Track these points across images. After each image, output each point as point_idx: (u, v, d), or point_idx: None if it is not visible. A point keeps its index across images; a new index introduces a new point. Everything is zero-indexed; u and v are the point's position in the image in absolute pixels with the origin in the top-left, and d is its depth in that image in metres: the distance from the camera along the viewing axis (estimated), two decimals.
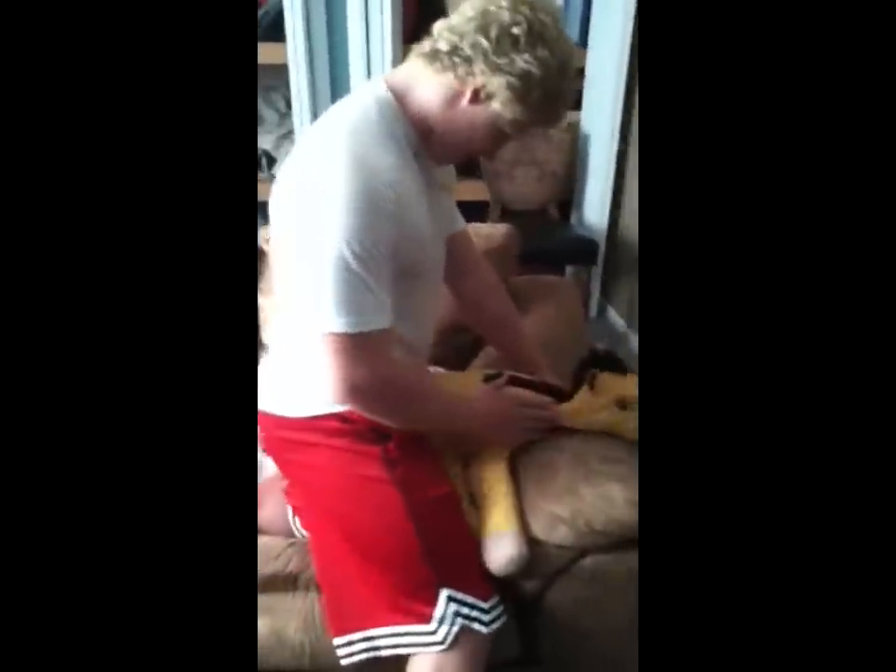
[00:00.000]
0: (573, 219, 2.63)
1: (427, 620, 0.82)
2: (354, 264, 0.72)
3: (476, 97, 0.77)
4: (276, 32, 2.25)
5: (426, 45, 0.79)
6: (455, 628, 0.81)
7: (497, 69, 0.74)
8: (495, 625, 0.84)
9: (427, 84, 0.79)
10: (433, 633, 0.82)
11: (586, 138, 2.51)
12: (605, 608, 0.91)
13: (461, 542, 0.87)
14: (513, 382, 0.99)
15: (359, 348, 0.75)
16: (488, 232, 1.27)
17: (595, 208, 2.53)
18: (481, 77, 0.75)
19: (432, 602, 0.82)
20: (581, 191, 2.58)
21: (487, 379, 1.01)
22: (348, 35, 2.21)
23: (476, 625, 0.82)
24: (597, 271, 2.57)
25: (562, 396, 0.98)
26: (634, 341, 2.38)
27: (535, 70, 0.74)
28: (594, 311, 2.66)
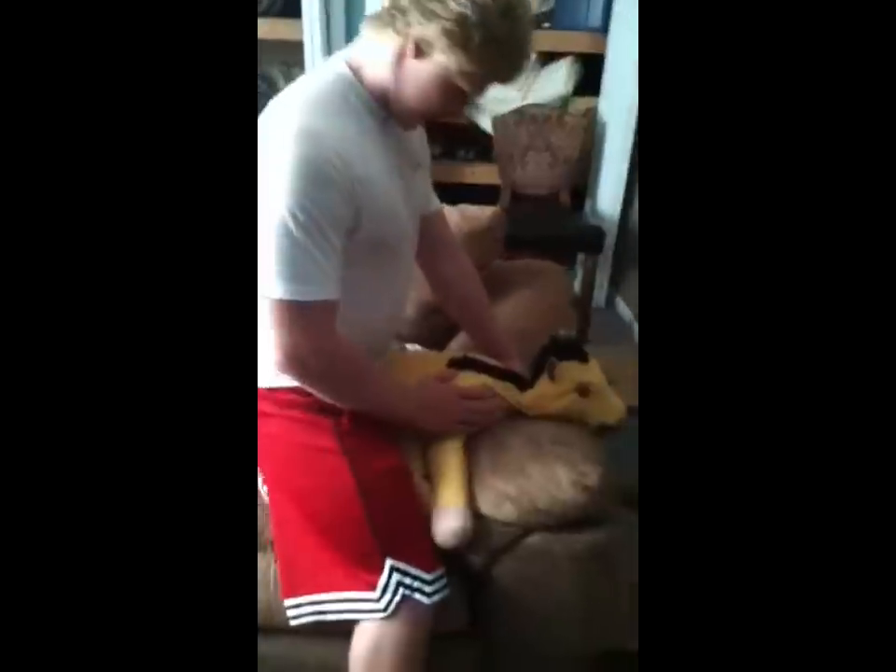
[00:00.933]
0: (586, 207, 2.61)
1: (372, 587, 0.84)
2: (296, 232, 0.73)
3: (419, 51, 0.76)
4: (294, 8, 2.27)
5: (373, 10, 0.80)
6: (397, 598, 0.83)
7: (431, 15, 0.73)
8: (436, 597, 0.86)
9: (375, 48, 0.80)
10: (376, 601, 0.84)
11: (603, 126, 2.49)
12: (548, 586, 0.92)
13: (408, 514, 0.89)
14: (474, 365, 1.01)
15: (300, 317, 0.77)
16: (474, 214, 1.28)
17: (608, 197, 2.51)
18: (417, 27, 0.74)
19: (377, 571, 0.84)
20: (596, 179, 2.56)
21: (451, 363, 1.02)
22: (366, 12, 2.22)
23: (418, 595, 0.84)
24: (606, 260, 2.55)
25: (522, 383, 0.99)
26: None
27: (470, 13, 0.71)
28: (601, 301, 2.64)
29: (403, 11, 0.75)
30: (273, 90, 2.52)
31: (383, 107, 0.84)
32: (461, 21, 0.72)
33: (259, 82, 2.54)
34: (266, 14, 2.39)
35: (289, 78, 2.81)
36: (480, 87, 0.80)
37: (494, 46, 0.74)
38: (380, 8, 0.79)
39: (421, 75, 0.78)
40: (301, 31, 2.27)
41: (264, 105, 0.83)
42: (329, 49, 2.31)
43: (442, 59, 0.75)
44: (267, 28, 2.38)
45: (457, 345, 1.21)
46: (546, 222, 2.36)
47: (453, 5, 0.72)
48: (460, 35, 0.73)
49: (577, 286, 2.42)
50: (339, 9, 2.27)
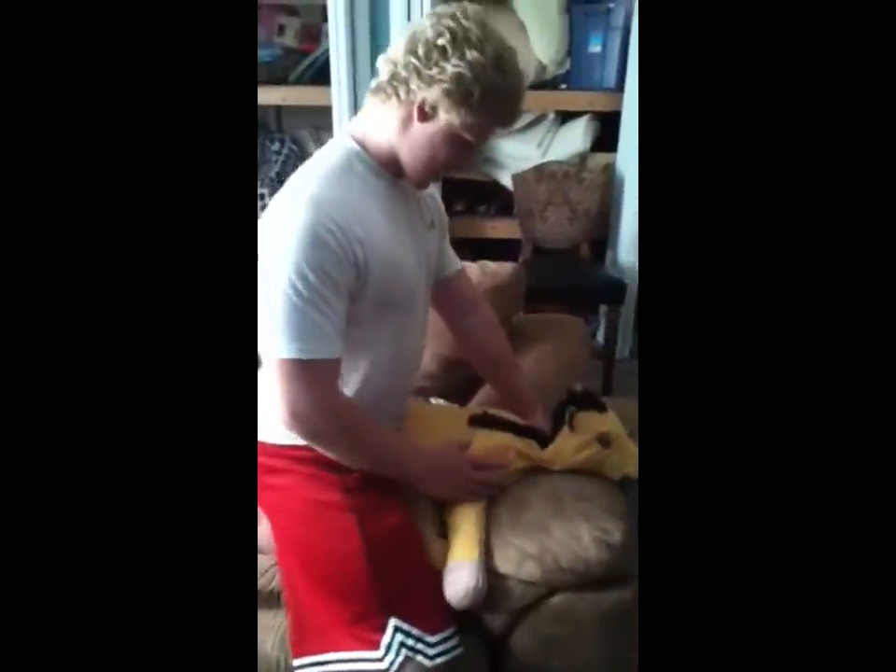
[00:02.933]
0: (607, 260, 2.63)
1: (375, 647, 0.83)
2: (300, 295, 0.78)
3: (423, 114, 0.81)
4: (324, 76, 2.39)
5: (372, 83, 0.85)
6: (400, 658, 0.82)
7: (431, 81, 0.78)
8: (440, 659, 0.84)
9: (380, 118, 0.85)
10: (379, 660, 0.83)
11: (621, 180, 2.53)
12: (572, 647, 0.91)
13: (414, 573, 0.89)
14: (494, 423, 1.02)
15: (301, 374, 0.81)
16: (494, 270, 1.31)
17: (628, 249, 2.53)
18: (420, 93, 0.80)
19: (380, 630, 0.84)
20: (615, 232, 2.59)
21: (471, 420, 1.03)
22: None
23: (419, 658, 0.83)
24: (629, 312, 2.56)
25: (543, 440, 1.00)
26: None
27: (465, 71, 0.77)
28: (625, 352, 2.63)
29: (404, 81, 0.80)
30: (303, 151, 2.62)
31: (389, 170, 0.88)
32: (459, 80, 0.77)
33: (290, 144, 2.64)
34: (298, 82, 2.51)
35: (318, 141, 2.93)
36: (484, 136, 0.85)
37: (492, 96, 0.80)
38: (379, 80, 0.84)
39: (431, 135, 0.83)
40: (329, 97, 2.38)
41: (294, 165, 0.88)
42: (356, 112, 2.41)
43: (447, 117, 0.80)
44: (298, 94, 2.50)
45: (482, 398, 1.21)
46: (568, 275, 2.38)
47: (449, 67, 0.77)
48: (461, 92, 0.78)
49: (600, 337, 2.42)
50: (365, 77, 2.38)
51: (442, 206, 1.07)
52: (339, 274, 0.80)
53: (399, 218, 0.90)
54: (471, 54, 0.77)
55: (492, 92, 0.79)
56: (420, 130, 0.83)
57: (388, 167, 0.88)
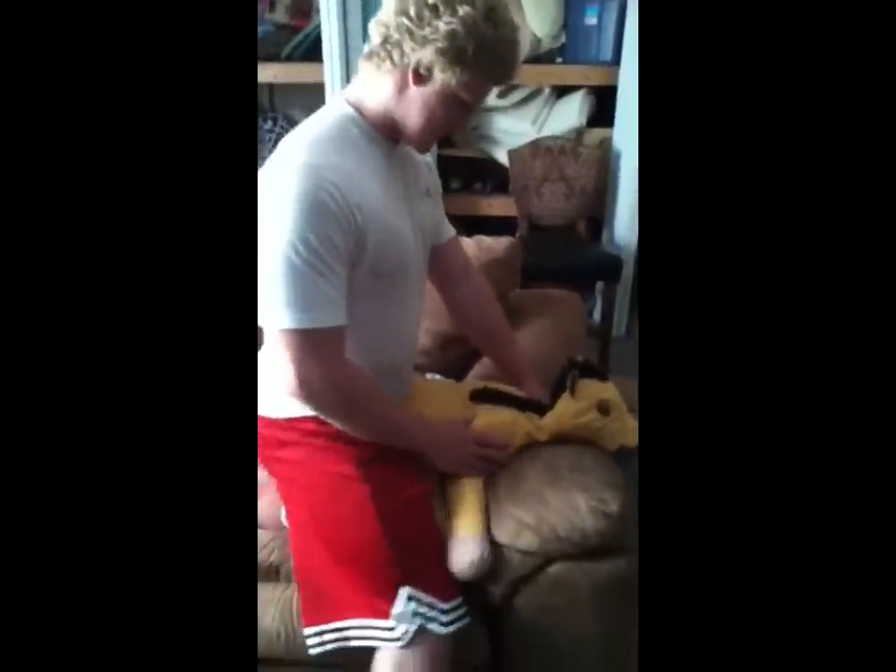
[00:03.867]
0: (604, 237, 2.62)
1: (388, 616, 0.84)
2: (299, 262, 0.76)
3: (419, 76, 0.80)
4: (315, 53, 2.35)
5: (365, 48, 0.83)
6: (413, 626, 0.83)
7: (424, 41, 0.77)
8: (452, 627, 0.85)
9: (375, 84, 0.84)
10: (392, 629, 0.84)
11: (618, 156, 2.51)
12: (569, 617, 0.91)
13: (428, 544, 0.90)
14: (496, 398, 1.02)
15: (308, 344, 0.80)
16: (490, 245, 1.30)
17: (624, 226, 2.52)
18: (414, 54, 0.78)
19: (394, 599, 0.84)
20: (612, 209, 2.57)
21: (473, 395, 1.03)
22: None
23: (433, 625, 0.84)
24: (625, 289, 2.55)
25: (542, 410, 1.00)
26: None
27: (458, 27, 0.76)
28: (622, 329, 2.63)
29: (397, 44, 0.79)
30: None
31: (387, 137, 0.87)
32: (453, 37, 0.76)
33: (282, 122, 2.61)
34: (289, 59, 2.47)
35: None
36: (481, 94, 0.84)
37: (486, 51, 0.78)
38: (372, 45, 0.82)
39: (427, 98, 0.82)
40: (322, 74, 2.35)
41: None
42: None
43: (443, 77, 0.79)
44: (290, 71, 2.46)
45: (479, 373, 1.21)
46: (564, 252, 2.37)
47: (442, 25, 0.76)
48: (455, 49, 0.77)
49: (596, 315, 2.42)
50: (357, 53, 2.35)
51: (437, 173, 1.06)
52: (340, 239, 0.79)
53: (395, 185, 0.89)
54: (463, 9, 0.76)
55: (486, 47, 0.78)
56: (416, 93, 0.81)
57: (384, 133, 0.87)
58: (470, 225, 2.54)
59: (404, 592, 0.84)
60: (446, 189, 1.10)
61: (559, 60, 2.48)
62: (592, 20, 2.37)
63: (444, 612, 0.85)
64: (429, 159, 1.03)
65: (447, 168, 2.54)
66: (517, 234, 2.50)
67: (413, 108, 0.83)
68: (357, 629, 0.87)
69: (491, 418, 1.00)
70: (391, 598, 0.85)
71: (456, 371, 1.24)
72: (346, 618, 0.87)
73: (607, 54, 2.43)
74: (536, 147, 2.45)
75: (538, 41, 2.41)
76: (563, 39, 2.45)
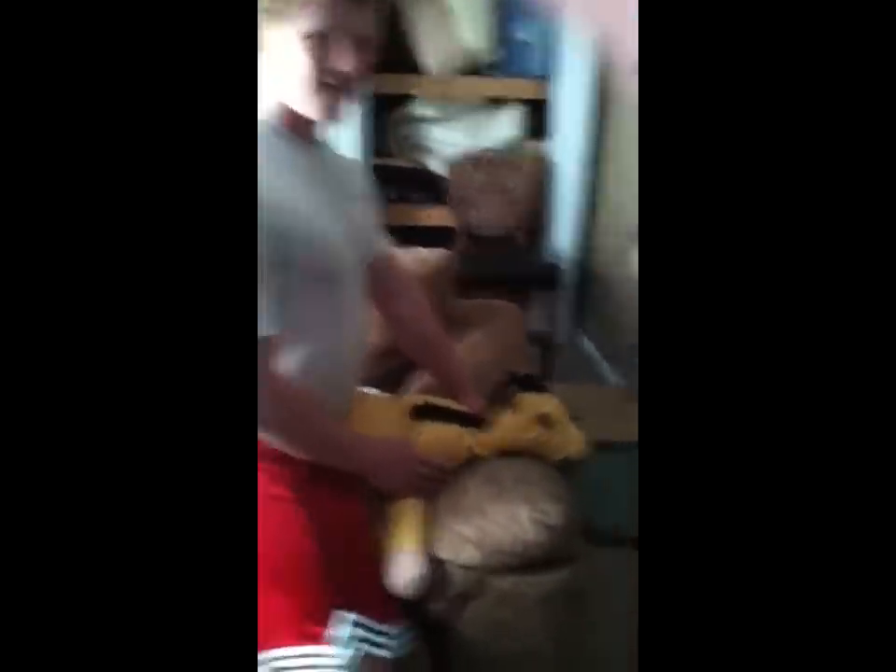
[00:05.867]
0: (542, 247, 2.66)
1: (330, 642, 0.81)
2: None
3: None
4: None
5: None
6: (357, 652, 0.80)
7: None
8: (398, 650, 0.82)
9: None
10: (335, 656, 0.80)
11: (555, 166, 2.56)
12: (518, 629, 0.90)
13: (365, 565, 0.87)
14: (429, 410, 1.00)
15: None
16: (425, 257, 1.29)
17: (563, 236, 2.56)
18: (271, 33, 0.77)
19: (333, 624, 0.81)
20: (550, 219, 2.62)
21: (414, 412, 1.00)
22: None
23: (377, 650, 0.81)
24: (566, 298, 2.59)
25: (478, 424, 0.99)
26: (604, 366, 2.39)
27: None
28: (563, 337, 2.67)
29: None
30: None
31: (299, 134, 0.85)
32: None
33: None
34: None
35: None
36: (347, 32, 0.78)
37: None
38: None
39: (290, 56, 0.78)
40: None
41: None
42: None
43: (293, 26, 0.76)
44: None
45: (418, 387, 1.19)
46: (502, 261, 2.40)
47: None
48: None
49: (538, 324, 2.44)
50: None
51: (368, 178, 1.04)
52: (270, 250, 0.76)
53: (322, 192, 0.86)
54: None
55: None
56: (282, 58, 0.79)
57: (296, 130, 0.84)
58: (407, 235, 2.53)
59: (345, 616, 0.81)
60: (382, 199, 1.07)
61: (495, 73, 2.51)
62: (524, 35, 2.42)
63: (388, 636, 0.82)
64: (359, 162, 1.01)
65: (384, 179, 2.52)
66: (455, 245, 2.51)
67: (288, 73, 0.80)
68: (296, 658, 0.82)
69: (435, 434, 0.98)
70: (332, 624, 0.81)
71: (391, 384, 1.22)
72: (283, 646, 0.82)
73: (535, 70, 2.48)
74: (475, 158, 2.47)
75: (471, 54, 2.43)
76: (502, 54, 2.49)
